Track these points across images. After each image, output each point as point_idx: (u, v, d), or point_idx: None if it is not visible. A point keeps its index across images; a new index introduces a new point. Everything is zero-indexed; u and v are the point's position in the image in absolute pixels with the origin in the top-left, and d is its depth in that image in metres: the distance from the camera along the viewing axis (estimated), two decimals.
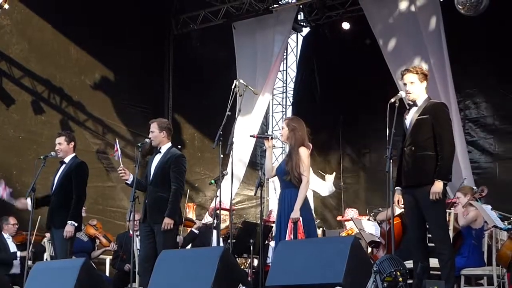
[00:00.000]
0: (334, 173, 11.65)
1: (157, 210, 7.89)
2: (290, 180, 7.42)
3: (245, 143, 13.77)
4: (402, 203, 6.79)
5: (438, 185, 6.48)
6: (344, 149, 15.82)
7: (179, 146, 9.03)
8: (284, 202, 7.47)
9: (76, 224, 8.41)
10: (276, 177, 7.78)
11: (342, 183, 15.55)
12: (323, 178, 11.45)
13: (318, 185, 11.15)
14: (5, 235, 10.78)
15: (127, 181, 8.22)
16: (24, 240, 10.50)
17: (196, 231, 10.60)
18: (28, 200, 8.65)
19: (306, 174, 7.40)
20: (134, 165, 8.31)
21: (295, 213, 7.22)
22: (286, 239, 7.18)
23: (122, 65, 14.12)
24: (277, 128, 16.55)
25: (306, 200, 7.46)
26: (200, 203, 14.75)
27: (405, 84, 6.77)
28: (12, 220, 10.87)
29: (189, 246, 10.53)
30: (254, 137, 8.86)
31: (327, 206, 15.43)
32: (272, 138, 7.76)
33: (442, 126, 6.64)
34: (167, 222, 7.76)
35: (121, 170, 8.16)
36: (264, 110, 14.86)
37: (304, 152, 7.43)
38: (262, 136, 8.07)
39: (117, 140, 8.94)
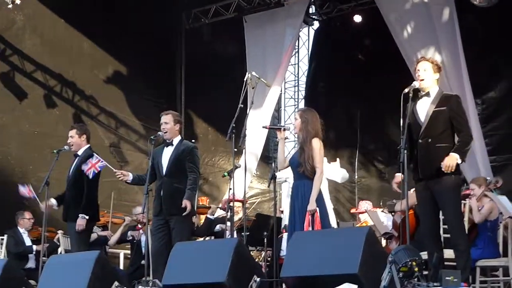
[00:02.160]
0: (338, 159, 11.62)
1: (173, 202, 7.89)
2: (303, 172, 7.38)
3: (257, 136, 13.77)
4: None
5: (453, 157, 6.42)
6: (357, 142, 15.76)
7: (193, 140, 9.05)
8: (297, 194, 7.45)
9: (87, 217, 8.41)
10: (288, 168, 7.76)
11: (356, 176, 15.50)
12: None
13: (332, 173, 11.10)
14: (21, 230, 10.81)
15: (127, 181, 8.25)
16: (39, 236, 10.51)
17: (211, 217, 10.60)
18: (52, 200, 8.64)
19: (320, 166, 7.36)
20: (148, 158, 8.33)
21: (312, 205, 7.19)
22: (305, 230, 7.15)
23: (134, 59, 14.17)
24: (289, 122, 16.51)
25: (320, 193, 7.43)
26: (213, 197, 14.76)
27: (418, 70, 6.75)
28: (27, 214, 10.90)
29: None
30: (266, 128, 8.85)
31: (340, 200, 15.40)
32: (284, 129, 7.71)
33: (460, 117, 6.63)
34: (187, 204, 7.76)
35: (118, 174, 8.19)
36: (274, 103, 14.84)
37: (317, 144, 7.39)
38: (275, 127, 8.04)
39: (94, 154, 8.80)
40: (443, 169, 6.40)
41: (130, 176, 8.25)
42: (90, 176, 8.38)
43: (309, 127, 7.46)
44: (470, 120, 8.34)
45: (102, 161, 8.41)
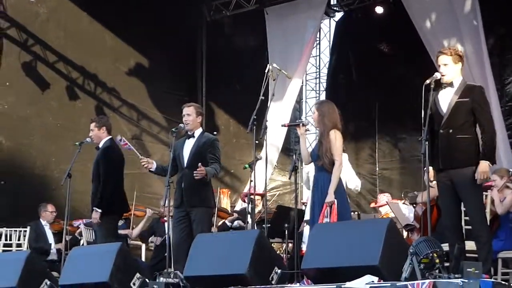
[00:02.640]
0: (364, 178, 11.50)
1: (194, 193, 7.92)
2: (322, 164, 7.37)
3: (278, 128, 13.71)
4: (434, 181, 6.75)
5: (484, 165, 6.45)
6: (379, 134, 15.69)
7: (215, 133, 9.05)
8: (317, 187, 7.44)
9: (99, 211, 8.43)
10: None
11: (377, 169, 15.44)
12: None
13: (348, 176, 11.07)
14: (43, 222, 10.89)
15: (151, 169, 8.27)
16: (61, 229, 10.57)
17: (229, 223, 10.60)
18: (154, 164, 8.42)
19: (339, 158, 7.32)
20: (169, 150, 8.35)
21: (330, 197, 7.18)
22: (319, 222, 7.15)
23: (156, 51, 14.24)
24: (310, 114, 16.48)
25: (340, 184, 7.41)
26: (235, 189, 14.79)
27: (439, 66, 6.72)
28: (50, 207, 10.97)
29: None
30: (285, 126, 8.84)
31: (361, 192, 15.34)
32: (303, 125, 7.67)
33: (482, 108, 6.60)
34: (203, 168, 7.78)
35: (143, 160, 8.20)
36: (295, 95, 14.82)
37: (334, 135, 7.35)
38: (293, 124, 8.02)
39: (118, 137, 8.81)
40: (478, 182, 6.41)
41: (154, 164, 8.28)
42: (130, 148, 8.43)
43: (326, 120, 7.44)
44: (492, 112, 8.32)
45: (129, 146, 8.46)
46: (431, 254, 5.48)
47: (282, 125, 8.69)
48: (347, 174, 10.64)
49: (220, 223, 11.08)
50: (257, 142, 8.31)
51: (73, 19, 13.25)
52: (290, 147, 15.70)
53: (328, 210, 7.15)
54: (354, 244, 5.96)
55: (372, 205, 12.52)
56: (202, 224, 7.83)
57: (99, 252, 7.62)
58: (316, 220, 7.23)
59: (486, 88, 10.21)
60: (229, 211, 11.92)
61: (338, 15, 16.71)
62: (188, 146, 8.14)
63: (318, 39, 16.66)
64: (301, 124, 7.67)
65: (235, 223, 10.50)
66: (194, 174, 7.78)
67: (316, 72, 17.13)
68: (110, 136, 8.86)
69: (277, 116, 13.15)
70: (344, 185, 7.88)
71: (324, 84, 16.94)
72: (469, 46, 12.11)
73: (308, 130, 8.36)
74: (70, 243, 10.12)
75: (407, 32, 13.16)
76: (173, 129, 8.14)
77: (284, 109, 14.11)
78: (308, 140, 14.46)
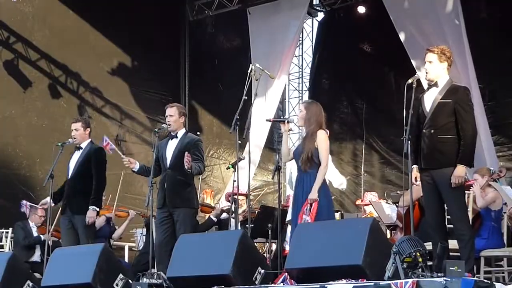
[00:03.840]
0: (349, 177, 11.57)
1: (177, 194, 7.92)
2: (307, 164, 7.39)
3: (261, 127, 13.77)
4: (419, 180, 6.76)
5: (461, 170, 6.46)
6: (362, 134, 15.71)
7: (198, 133, 9.05)
8: (301, 186, 7.44)
9: (98, 209, 8.52)
10: (293, 161, 7.76)
11: (363, 170, 15.45)
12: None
13: (332, 175, 11.08)
14: (31, 223, 10.87)
15: (134, 169, 8.26)
16: (45, 232, 10.54)
17: (214, 218, 10.59)
18: (47, 199, 8.67)
19: (325, 157, 7.34)
20: (152, 151, 8.34)
21: (313, 194, 7.18)
22: (298, 219, 7.15)
23: (139, 51, 14.23)
24: (293, 114, 16.50)
25: (324, 185, 7.42)
26: (218, 189, 14.78)
27: (425, 63, 6.73)
28: (40, 212, 10.93)
29: None
30: (270, 121, 8.85)
31: (344, 191, 15.40)
32: (288, 122, 7.71)
33: (464, 110, 6.58)
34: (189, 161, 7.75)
35: (125, 160, 8.19)
36: (279, 94, 14.85)
37: (322, 135, 7.38)
38: (279, 120, 8.04)
39: (105, 136, 8.83)
40: (452, 186, 6.43)
41: (137, 165, 8.26)
42: (112, 148, 8.49)
43: (312, 119, 7.46)
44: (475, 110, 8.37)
45: (111, 145, 8.47)
46: (414, 253, 5.49)
47: (267, 120, 8.71)
48: (330, 174, 10.67)
49: (206, 218, 11.07)
50: (240, 142, 8.32)
51: (59, 18, 13.20)
52: (273, 147, 15.70)
53: (308, 207, 7.14)
54: (337, 244, 5.98)
55: (358, 202, 12.53)
56: (185, 225, 7.82)
57: (82, 253, 7.60)
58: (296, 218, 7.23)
59: (468, 85, 10.29)
60: (212, 205, 11.89)
61: (321, 15, 16.74)
62: (171, 146, 8.13)
63: (300, 38, 16.67)
64: (286, 121, 7.69)
65: (224, 215, 10.47)
66: (185, 162, 7.76)
67: (298, 71, 17.14)
68: (90, 139, 8.85)
69: (260, 116, 13.14)
70: (328, 184, 7.88)
71: (307, 84, 16.96)
72: (452, 45, 12.14)
73: (291, 130, 8.38)
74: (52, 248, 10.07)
75: (389, 31, 13.19)
76: (155, 130, 8.15)
77: (267, 109, 14.12)
78: (291, 139, 14.53)
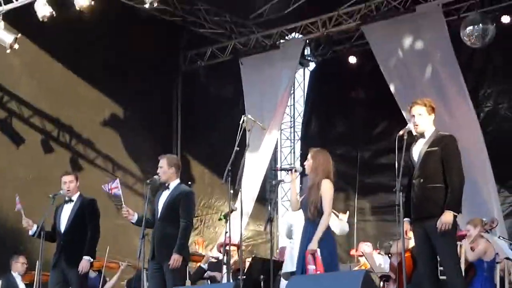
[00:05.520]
0: (348, 212, 11.54)
1: (165, 246, 7.85)
2: (313, 214, 7.30)
3: (253, 178, 13.76)
4: (412, 234, 6.76)
5: (448, 216, 6.47)
6: (355, 186, 15.66)
7: (189, 183, 9.02)
8: (305, 236, 7.36)
9: (92, 260, 8.50)
10: (290, 211, 7.69)
11: (355, 220, 15.38)
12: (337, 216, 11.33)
13: (332, 223, 11.04)
14: (14, 274, 10.78)
15: (132, 221, 8.23)
16: (32, 280, 10.47)
17: (205, 266, 10.54)
18: (34, 227, 8.61)
19: (328, 207, 7.26)
20: (144, 202, 8.32)
21: (313, 245, 7.10)
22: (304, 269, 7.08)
23: (130, 102, 14.26)
24: (285, 163, 16.53)
25: (327, 233, 7.32)
26: (210, 239, 14.71)
27: (412, 116, 6.78)
28: (21, 259, 10.88)
29: None
30: (276, 170, 8.78)
31: (338, 241, 15.32)
32: (296, 171, 7.65)
33: (451, 158, 6.64)
34: (176, 258, 7.70)
35: (124, 211, 8.17)
36: (273, 145, 14.87)
37: (327, 185, 7.30)
38: (286, 169, 7.94)
39: (117, 179, 8.82)
40: (438, 231, 6.43)
41: (135, 216, 8.20)
42: (117, 193, 8.41)
43: (320, 169, 7.40)
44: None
45: (119, 189, 8.43)
46: None
47: (272, 169, 8.69)
48: (332, 222, 10.61)
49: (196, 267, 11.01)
50: (232, 192, 8.30)
51: (47, 70, 13.23)
52: (265, 196, 15.67)
53: (310, 258, 7.07)
54: None
55: (352, 252, 12.47)
56: (174, 277, 7.76)
57: None
58: (305, 270, 7.14)
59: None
60: (201, 254, 11.83)
61: (312, 65, 16.86)
62: (163, 198, 8.10)
63: (292, 88, 16.76)
64: (293, 170, 7.64)
65: (206, 274, 10.43)
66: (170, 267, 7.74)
67: (290, 121, 17.20)
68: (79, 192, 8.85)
69: (253, 166, 13.15)
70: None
71: (299, 133, 17.01)
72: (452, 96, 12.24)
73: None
74: None
75: (380, 80, 13.27)
76: (147, 181, 8.13)
77: (260, 159, 14.13)
78: (283, 154, 14.45)
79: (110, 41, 13.70)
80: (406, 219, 6.70)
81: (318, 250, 7.10)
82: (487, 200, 11.67)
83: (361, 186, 15.52)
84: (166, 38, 14.97)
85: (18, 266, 10.82)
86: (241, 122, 8.50)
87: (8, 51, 11.74)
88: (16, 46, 11.64)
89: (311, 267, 7.02)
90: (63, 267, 8.52)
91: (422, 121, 6.75)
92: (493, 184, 12.05)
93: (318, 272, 6.93)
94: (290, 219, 9.00)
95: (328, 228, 7.35)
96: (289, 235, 9.12)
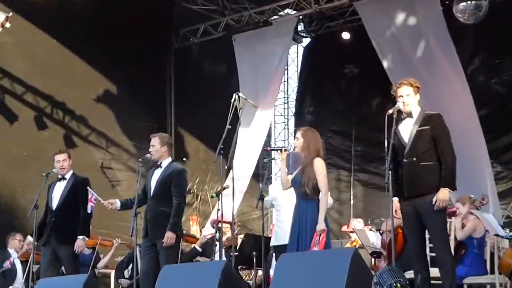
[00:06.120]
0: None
1: (158, 225, 7.88)
2: (305, 191, 7.34)
3: (248, 155, 13.79)
4: (400, 213, 6.80)
5: (444, 193, 6.50)
6: (350, 161, 15.70)
7: (184, 159, 9.04)
8: (301, 214, 7.38)
9: (87, 239, 8.52)
10: (278, 186, 7.75)
11: (351, 195, 15.46)
12: None
13: None
14: (11, 251, 10.83)
15: (117, 209, 8.27)
16: (28, 257, 10.51)
17: (199, 249, 10.60)
18: (117, 202, 8.40)
19: (324, 185, 7.28)
20: (136, 180, 8.36)
21: (321, 225, 7.13)
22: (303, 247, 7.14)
23: (124, 79, 14.27)
24: (279, 139, 16.59)
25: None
26: (205, 215, 14.79)
27: (400, 96, 6.81)
28: (18, 236, 10.92)
29: None
30: (268, 149, 8.82)
31: (330, 216, 15.40)
32: (285, 150, 7.67)
33: (443, 136, 6.68)
34: (169, 236, 7.75)
35: (106, 205, 8.21)
36: (268, 122, 14.92)
37: (319, 163, 7.32)
38: (276, 148, 7.98)
39: (89, 189, 8.83)
40: (435, 208, 6.47)
41: (118, 203, 8.24)
42: (89, 211, 8.46)
43: (311, 147, 7.43)
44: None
45: (94, 195, 8.47)
46: (394, 284, 5.54)
47: (264, 149, 8.71)
48: None
49: (191, 248, 11.08)
50: (226, 167, 8.34)
51: (41, 47, 13.22)
52: (258, 173, 15.71)
53: (317, 239, 7.11)
54: (320, 275, 5.99)
55: (344, 228, 12.55)
56: (168, 256, 7.80)
57: (67, 285, 7.58)
58: (303, 247, 7.19)
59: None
60: (196, 236, 11.90)
61: (306, 41, 16.85)
62: (155, 176, 8.13)
63: (286, 65, 16.76)
64: (283, 149, 7.67)
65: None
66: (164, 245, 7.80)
67: (284, 97, 17.23)
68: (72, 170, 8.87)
69: (248, 143, 13.18)
70: None
71: (293, 109, 17.03)
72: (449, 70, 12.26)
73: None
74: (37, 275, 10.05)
75: (374, 56, 13.28)
76: (139, 159, 8.16)
77: (255, 136, 14.16)
78: (277, 128, 14.44)
79: (102, 18, 13.68)
80: (395, 198, 6.74)
81: (326, 229, 7.15)
82: (481, 175, 11.73)
83: (355, 163, 15.58)
84: (159, 15, 14.93)
85: (15, 242, 10.87)
86: (232, 101, 8.53)
87: (0, 29, 11.70)
88: (8, 24, 11.59)
89: (316, 249, 7.06)
90: (53, 244, 8.54)
91: (410, 100, 6.78)
92: (487, 158, 12.16)
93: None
94: (274, 191, 9.04)
95: None
96: (269, 206, 9.22)
